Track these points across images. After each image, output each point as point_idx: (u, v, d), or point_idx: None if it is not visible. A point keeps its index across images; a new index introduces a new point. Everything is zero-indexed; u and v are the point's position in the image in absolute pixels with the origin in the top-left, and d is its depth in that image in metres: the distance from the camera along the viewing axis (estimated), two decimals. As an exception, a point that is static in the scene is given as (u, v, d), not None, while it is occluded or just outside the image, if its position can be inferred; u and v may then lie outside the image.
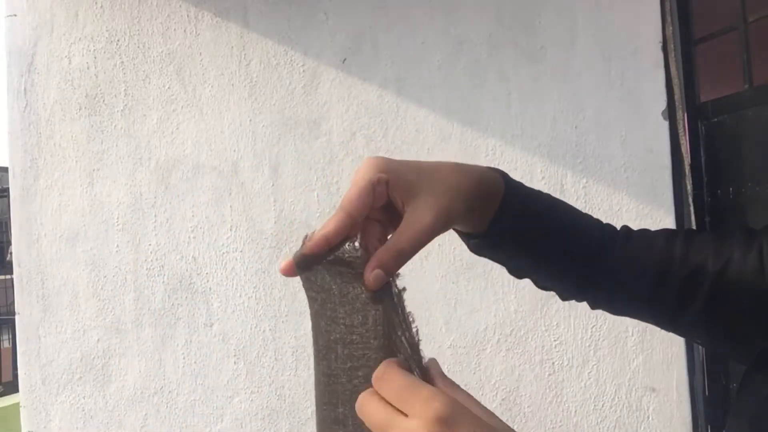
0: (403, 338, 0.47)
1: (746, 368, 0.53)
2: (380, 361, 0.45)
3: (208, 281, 1.86)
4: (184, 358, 1.86)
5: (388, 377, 0.42)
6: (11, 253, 2.19)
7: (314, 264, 0.46)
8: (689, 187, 1.77)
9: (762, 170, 1.68)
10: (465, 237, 0.59)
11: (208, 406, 1.85)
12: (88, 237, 1.90)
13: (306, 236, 0.46)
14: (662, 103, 1.76)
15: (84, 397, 1.88)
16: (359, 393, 0.44)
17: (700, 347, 1.77)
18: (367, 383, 0.44)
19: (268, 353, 1.83)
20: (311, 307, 0.49)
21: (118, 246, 1.89)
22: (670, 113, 1.77)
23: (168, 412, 1.86)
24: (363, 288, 0.46)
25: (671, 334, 1.76)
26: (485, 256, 0.61)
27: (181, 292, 1.87)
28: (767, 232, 0.57)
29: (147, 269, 1.88)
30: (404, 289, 0.47)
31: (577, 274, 0.63)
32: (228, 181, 1.87)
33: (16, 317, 1.91)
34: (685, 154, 1.77)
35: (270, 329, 1.83)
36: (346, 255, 0.46)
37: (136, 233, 1.89)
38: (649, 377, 1.74)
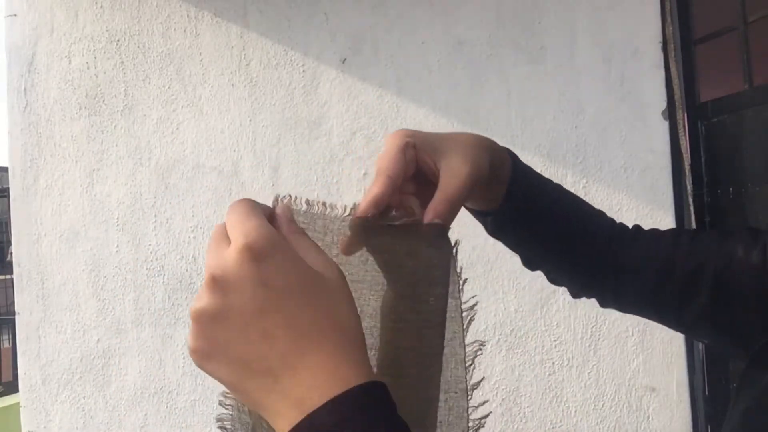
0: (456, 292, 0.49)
1: (745, 365, 0.53)
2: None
3: (208, 281, 1.86)
4: (184, 358, 1.86)
5: (234, 206, 0.42)
6: (11, 253, 2.19)
7: (368, 227, 0.47)
8: (689, 187, 1.77)
9: (762, 170, 1.68)
10: (481, 216, 0.61)
11: (208, 406, 1.85)
12: (88, 237, 1.90)
13: (353, 206, 0.47)
14: (662, 103, 1.76)
15: (84, 397, 1.88)
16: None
17: (700, 347, 1.77)
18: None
19: (268, 353, 1.83)
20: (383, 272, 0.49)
21: (118, 246, 1.89)
22: (670, 113, 1.77)
23: (168, 412, 1.86)
24: (424, 245, 0.47)
25: (671, 334, 1.77)
26: (500, 239, 0.62)
27: (181, 292, 1.87)
28: None
29: (147, 269, 1.88)
30: (458, 241, 0.50)
31: (586, 266, 0.64)
32: (228, 181, 1.87)
33: (16, 317, 1.91)
34: (685, 154, 1.77)
35: (270, 329, 1.83)
36: (400, 221, 0.48)
37: (136, 233, 1.89)
38: (649, 377, 1.74)
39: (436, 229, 0.48)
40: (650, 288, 0.62)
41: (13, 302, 2.00)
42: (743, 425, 0.48)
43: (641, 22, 1.78)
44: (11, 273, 2.03)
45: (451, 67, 1.83)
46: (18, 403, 1.93)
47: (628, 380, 1.74)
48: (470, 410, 0.51)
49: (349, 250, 0.48)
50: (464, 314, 0.51)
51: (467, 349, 0.51)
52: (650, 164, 1.75)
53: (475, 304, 0.51)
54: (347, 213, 0.48)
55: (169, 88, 1.90)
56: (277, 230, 0.42)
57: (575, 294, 0.68)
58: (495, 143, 0.57)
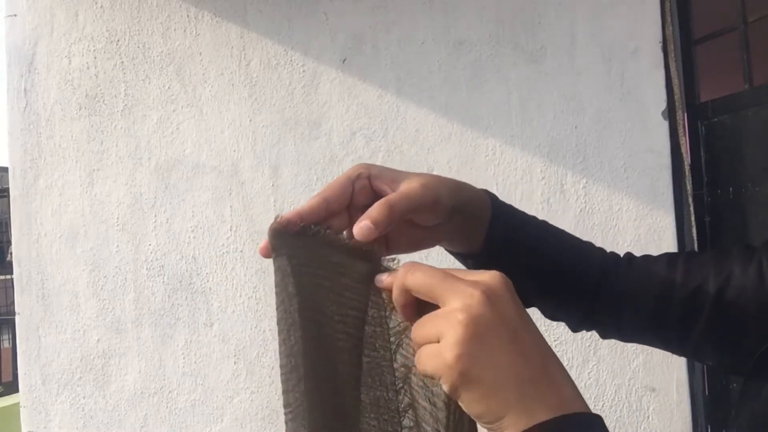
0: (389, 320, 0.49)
1: (748, 370, 0.53)
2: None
3: (208, 281, 1.86)
4: (184, 358, 1.86)
5: (414, 279, 0.44)
6: (11, 253, 2.19)
7: (286, 236, 0.48)
8: (689, 187, 1.77)
9: (762, 170, 1.68)
10: (462, 258, 0.62)
11: (208, 406, 1.85)
12: (88, 237, 1.90)
13: (276, 216, 0.48)
14: (662, 103, 1.76)
15: (84, 397, 1.88)
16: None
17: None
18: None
19: (268, 353, 1.83)
20: (284, 292, 0.50)
21: (118, 246, 1.89)
22: (670, 113, 1.77)
23: (168, 412, 1.86)
24: (353, 263, 0.48)
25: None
26: None
27: (181, 292, 1.87)
28: (766, 246, 0.57)
29: (147, 269, 1.88)
30: (397, 260, 0.49)
31: (581, 302, 0.64)
32: (228, 181, 1.88)
33: (16, 317, 1.91)
34: (685, 154, 1.77)
35: (270, 329, 1.83)
36: (334, 240, 0.48)
37: (136, 233, 1.89)
38: (649, 377, 1.74)
39: (358, 243, 0.47)
40: (650, 315, 0.61)
41: (13, 302, 2.00)
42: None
43: (641, 22, 1.78)
44: (11, 273, 2.03)
45: (451, 67, 1.83)
46: (18, 403, 1.93)
47: (628, 380, 1.74)
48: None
49: (264, 252, 0.49)
50: (392, 339, 0.50)
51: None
52: (650, 164, 1.75)
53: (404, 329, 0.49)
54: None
55: (169, 88, 1.90)
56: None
57: (574, 328, 0.68)
58: (468, 185, 0.57)
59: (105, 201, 1.90)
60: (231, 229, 1.87)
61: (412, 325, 0.45)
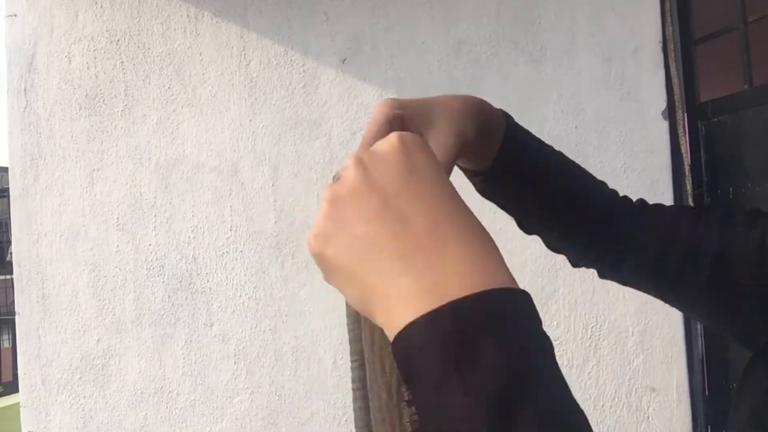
0: None
1: (747, 362, 0.53)
2: None
3: (208, 281, 1.86)
4: (184, 358, 1.86)
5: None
6: (11, 253, 2.19)
7: None
8: (689, 187, 1.77)
9: (762, 170, 1.68)
10: (471, 175, 0.61)
11: (208, 406, 1.85)
12: (88, 237, 1.89)
13: (335, 174, 0.47)
14: (662, 103, 1.76)
15: (84, 397, 1.88)
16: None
17: (700, 347, 1.77)
18: None
19: (268, 353, 1.83)
20: None
21: (118, 246, 1.89)
22: (670, 113, 1.77)
23: (168, 412, 1.86)
24: None
25: (671, 334, 1.77)
26: (491, 199, 0.62)
27: (181, 292, 1.87)
28: None
29: (147, 269, 1.88)
30: None
31: (585, 235, 0.63)
32: (228, 181, 1.87)
33: (16, 317, 1.91)
34: (685, 154, 1.77)
35: (270, 329, 1.83)
36: None
37: (136, 233, 1.89)
38: (649, 377, 1.74)
39: None
40: (649, 262, 0.61)
41: (13, 302, 2.00)
42: (753, 427, 0.48)
43: (641, 22, 1.78)
44: (11, 273, 2.03)
45: (451, 67, 1.83)
46: (18, 403, 1.93)
47: (628, 380, 1.74)
48: None
49: None
50: None
51: None
52: (650, 164, 1.75)
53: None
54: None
55: (169, 88, 1.90)
56: None
57: (574, 263, 0.68)
58: (487, 104, 0.57)
59: (105, 201, 1.90)
60: (231, 229, 1.87)
61: None
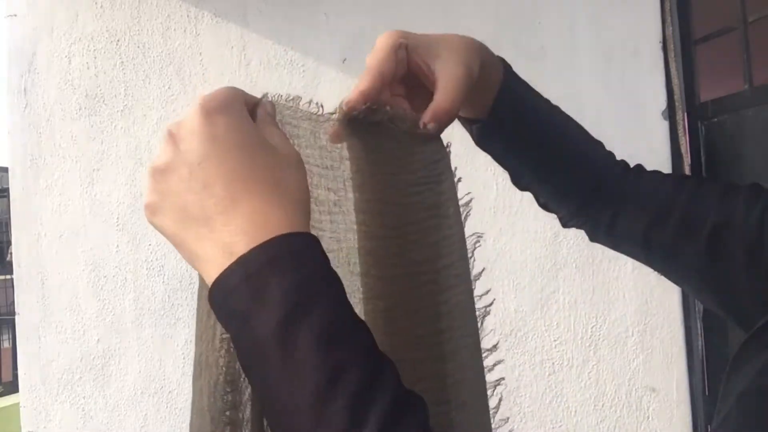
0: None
1: (739, 345, 0.52)
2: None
3: (208, 281, 1.86)
4: (184, 358, 1.86)
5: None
6: (11, 253, 2.19)
7: (356, 120, 0.47)
8: (689, 187, 1.76)
9: (762, 170, 1.68)
10: (467, 124, 0.60)
11: (208, 406, 1.85)
12: (88, 237, 1.90)
13: (341, 102, 0.48)
14: (662, 103, 1.76)
15: (84, 397, 1.88)
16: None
17: (700, 347, 1.77)
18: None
19: (268, 353, 1.83)
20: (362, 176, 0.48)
21: (118, 246, 1.89)
22: (670, 113, 1.77)
23: (168, 412, 1.86)
24: (422, 145, 0.47)
25: (671, 334, 1.77)
26: (487, 150, 0.61)
27: (181, 292, 1.87)
28: None
29: (147, 269, 1.88)
30: (449, 144, 0.50)
31: (577, 194, 0.62)
32: (228, 181, 1.87)
33: (16, 317, 1.91)
34: (685, 154, 1.77)
35: (270, 329, 1.83)
36: (397, 113, 0.48)
37: (136, 233, 1.89)
38: (649, 377, 1.74)
39: (431, 136, 0.47)
40: (644, 227, 0.60)
41: (13, 302, 2.00)
42: (740, 410, 0.48)
43: (641, 22, 1.78)
44: (11, 273, 2.03)
45: (451, 67, 1.83)
46: (18, 403, 1.93)
47: (628, 380, 1.74)
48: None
49: (336, 138, 0.49)
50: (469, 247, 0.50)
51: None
52: (650, 164, 1.74)
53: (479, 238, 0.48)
54: (334, 113, 0.49)
55: (169, 88, 1.90)
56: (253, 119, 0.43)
57: (565, 222, 0.67)
58: (487, 48, 0.56)
59: (105, 201, 1.90)
60: (231, 229, 1.87)
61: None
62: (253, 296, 0.35)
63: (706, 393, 1.77)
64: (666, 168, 1.75)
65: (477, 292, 0.52)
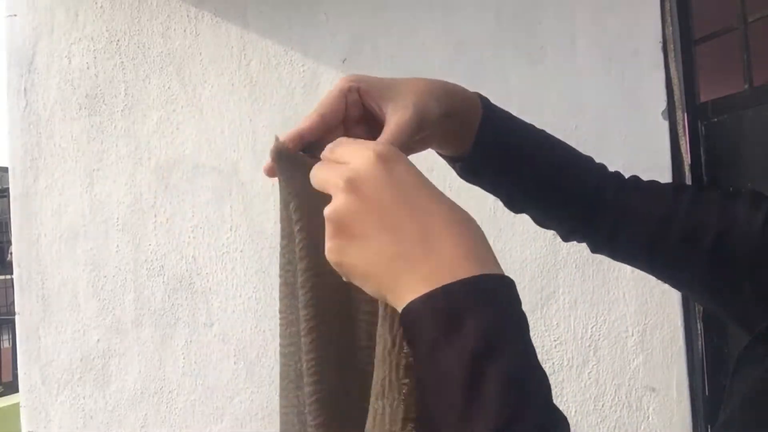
0: None
1: (741, 349, 0.52)
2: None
3: (208, 281, 1.86)
4: (184, 358, 1.86)
5: (335, 144, 0.45)
6: (11, 253, 2.19)
7: (289, 156, 0.48)
8: (689, 187, 1.77)
9: (762, 170, 1.68)
10: (451, 161, 0.61)
11: (208, 406, 1.85)
12: (88, 237, 1.90)
13: (276, 137, 0.49)
14: (662, 103, 1.76)
15: (84, 397, 1.88)
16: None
17: (700, 347, 1.77)
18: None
19: (268, 353, 1.83)
20: (289, 212, 0.49)
21: (118, 246, 1.89)
22: (670, 113, 1.77)
23: (168, 412, 1.86)
24: None
25: (671, 334, 1.77)
26: (474, 183, 0.62)
27: (181, 292, 1.87)
28: None
29: (147, 269, 1.88)
30: None
31: (573, 213, 0.63)
32: (228, 181, 1.87)
33: (16, 317, 1.92)
34: (685, 154, 1.77)
35: (270, 329, 1.83)
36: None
37: (136, 233, 1.89)
38: (649, 377, 1.74)
39: None
40: (647, 239, 0.60)
41: (13, 302, 2.00)
42: (744, 411, 0.47)
43: (641, 22, 1.78)
44: (11, 273, 2.03)
45: (451, 67, 1.83)
46: (18, 403, 1.93)
47: (628, 380, 1.74)
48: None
49: (269, 172, 0.50)
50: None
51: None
52: (650, 164, 1.75)
53: None
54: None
55: (169, 88, 1.90)
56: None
57: (565, 237, 0.67)
58: (458, 87, 0.57)
59: (105, 201, 1.90)
60: (231, 229, 1.87)
61: None
62: (450, 324, 0.37)
63: (706, 393, 1.77)
64: (666, 168, 1.75)
65: None
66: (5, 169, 2.01)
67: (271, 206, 1.86)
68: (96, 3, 1.92)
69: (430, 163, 0.58)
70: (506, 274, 0.40)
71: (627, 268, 1.72)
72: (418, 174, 0.43)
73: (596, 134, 1.78)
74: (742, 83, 1.74)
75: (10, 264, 2.36)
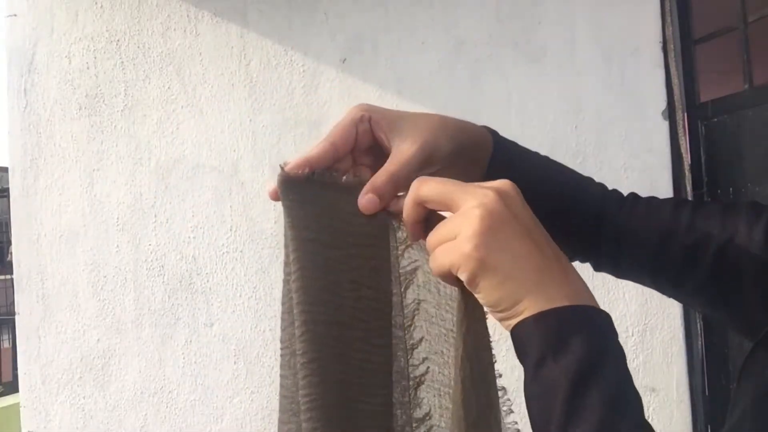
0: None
1: (747, 353, 0.53)
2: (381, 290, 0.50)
3: (208, 281, 1.86)
4: (184, 358, 1.86)
5: (426, 184, 0.47)
6: (11, 253, 2.19)
7: (295, 183, 0.48)
8: (689, 187, 1.77)
9: (762, 170, 1.68)
10: None
11: (208, 406, 1.85)
12: (88, 237, 1.90)
13: (283, 163, 0.48)
14: (662, 103, 1.76)
15: (84, 397, 1.88)
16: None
17: (700, 347, 1.77)
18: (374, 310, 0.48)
19: (268, 353, 1.83)
20: (293, 237, 0.49)
21: (118, 246, 1.89)
22: (670, 113, 1.77)
23: (168, 412, 1.86)
24: (361, 219, 0.49)
25: (671, 334, 1.77)
26: None
27: (181, 292, 1.87)
28: None
29: (147, 269, 1.88)
30: (401, 226, 0.50)
31: (577, 235, 0.63)
32: (228, 181, 1.87)
33: (16, 317, 1.91)
34: (685, 154, 1.77)
35: (270, 329, 1.83)
36: (342, 179, 0.49)
37: (136, 233, 1.89)
38: (649, 377, 1.74)
39: (366, 210, 0.49)
40: (649, 256, 0.61)
41: (13, 302, 2.00)
42: (753, 413, 0.47)
43: (641, 22, 1.78)
44: (11, 273, 2.03)
45: (451, 67, 1.83)
46: (18, 403, 1.93)
47: (628, 380, 1.74)
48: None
49: (273, 196, 0.50)
50: (402, 279, 0.51)
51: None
52: (650, 164, 1.75)
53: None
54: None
55: (169, 88, 1.90)
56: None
57: (570, 257, 0.68)
58: (470, 124, 0.57)
59: (105, 201, 1.90)
60: (231, 229, 1.87)
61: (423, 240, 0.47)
62: (562, 343, 0.42)
63: (706, 393, 1.77)
64: (666, 168, 1.75)
65: None
66: (5, 169, 2.01)
67: (271, 206, 1.86)
68: (96, 3, 1.92)
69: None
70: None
71: (627, 268, 1.72)
72: (533, 214, 0.47)
73: (596, 134, 1.78)
74: (742, 83, 1.74)
75: (10, 264, 2.36)
